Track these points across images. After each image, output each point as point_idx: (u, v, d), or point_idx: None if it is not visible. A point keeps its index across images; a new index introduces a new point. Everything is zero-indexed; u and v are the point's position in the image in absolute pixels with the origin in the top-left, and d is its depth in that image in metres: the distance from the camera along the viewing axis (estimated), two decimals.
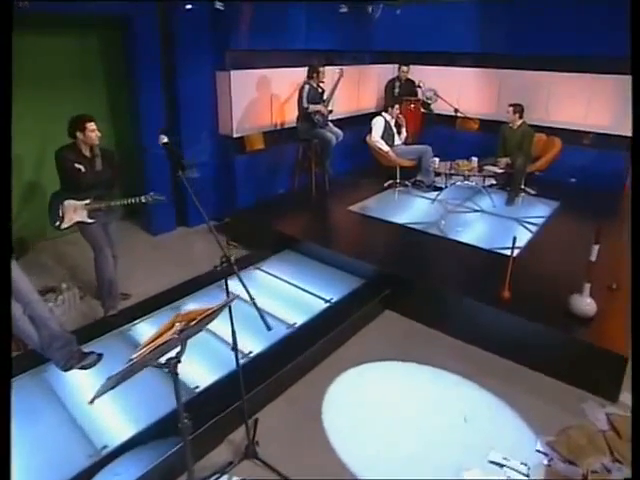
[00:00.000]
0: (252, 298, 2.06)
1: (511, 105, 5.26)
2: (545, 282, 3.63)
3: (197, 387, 2.80)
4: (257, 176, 5.46)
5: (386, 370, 3.18)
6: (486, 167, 5.24)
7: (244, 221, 5.11)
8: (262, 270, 4.20)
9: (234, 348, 2.21)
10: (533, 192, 5.48)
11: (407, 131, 5.88)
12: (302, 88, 5.06)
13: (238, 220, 5.15)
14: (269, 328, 2.02)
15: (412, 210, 5.15)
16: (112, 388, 1.64)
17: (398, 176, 5.67)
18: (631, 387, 1.79)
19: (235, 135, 5.13)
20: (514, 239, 3.28)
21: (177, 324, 1.82)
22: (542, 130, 5.70)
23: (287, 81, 5.46)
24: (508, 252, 3.41)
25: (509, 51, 5.96)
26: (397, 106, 5.61)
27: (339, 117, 6.28)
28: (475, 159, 5.27)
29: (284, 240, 4.56)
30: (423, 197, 5.48)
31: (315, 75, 5.07)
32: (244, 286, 2.08)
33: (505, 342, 3.29)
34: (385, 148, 5.52)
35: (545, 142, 5.58)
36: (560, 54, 5.54)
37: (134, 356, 1.61)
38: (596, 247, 3.01)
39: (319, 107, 5.09)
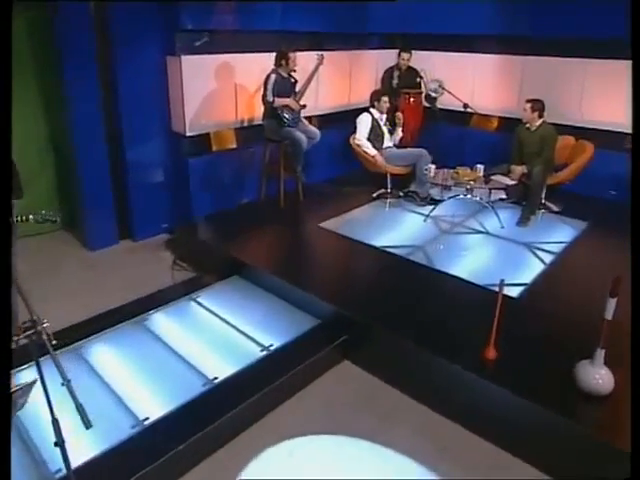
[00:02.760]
0: (67, 380, 1.56)
1: (529, 101, 4.54)
2: (548, 338, 2.95)
3: (59, 471, 2.31)
4: (217, 182, 4.94)
5: (326, 448, 2.60)
6: (494, 177, 4.54)
7: (195, 237, 4.61)
8: (197, 302, 3.68)
9: (58, 444, 1.68)
10: (556, 209, 4.75)
11: (404, 131, 5.25)
12: (267, 78, 4.49)
13: (188, 235, 4.66)
14: (87, 426, 1.52)
15: (398, 229, 4.50)
16: None
17: (389, 185, 5.05)
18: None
19: (188, 133, 4.62)
20: (501, 282, 2.63)
21: None
22: (572, 131, 4.97)
23: (257, 69, 4.88)
24: (507, 291, 2.78)
25: (535, 33, 5.23)
26: (386, 99, 4.96)
27: (325, 113, 5.75)
28: (480, 167, 4.57)
29: (234, 263, 4.03)
30: (415, 212, 4.82)
31: (284, 62, 4.50)
32: (57, 366, 1.57)
33: (489, 418, 2.66)
34: (372, 152, 4.90)
35: (573, 147, 4.84)
36: (598, 36, 4.76)
37: None
38: (613, 301, 2.33)
39: (287, 101, 4.52)
